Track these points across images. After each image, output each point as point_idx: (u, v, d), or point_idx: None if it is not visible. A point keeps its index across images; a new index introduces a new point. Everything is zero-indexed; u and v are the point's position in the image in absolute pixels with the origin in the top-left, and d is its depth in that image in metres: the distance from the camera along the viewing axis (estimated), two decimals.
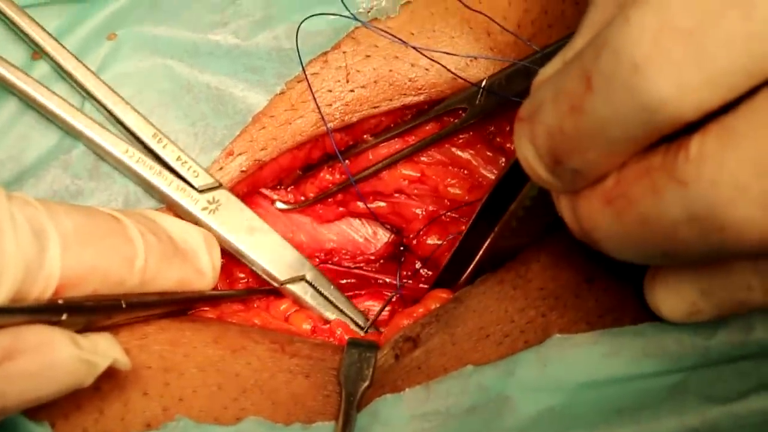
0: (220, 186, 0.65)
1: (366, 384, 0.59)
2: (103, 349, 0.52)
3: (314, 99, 0.67)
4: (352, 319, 0.69)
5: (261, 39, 0.67)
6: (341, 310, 0.69)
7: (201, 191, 0.65)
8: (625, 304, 0.58)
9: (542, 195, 0.55)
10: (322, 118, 0.67)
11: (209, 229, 0.65)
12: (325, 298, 0.69)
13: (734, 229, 0.40)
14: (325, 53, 0.67)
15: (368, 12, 0.68)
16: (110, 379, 0.56)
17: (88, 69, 0.64)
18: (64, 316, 0.50)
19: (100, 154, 0.64)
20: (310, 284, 0.68)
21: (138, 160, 0.64)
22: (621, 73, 0.40)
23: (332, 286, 0.69)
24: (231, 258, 0.67)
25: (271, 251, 0.67)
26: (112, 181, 0.65)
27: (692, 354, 0.54)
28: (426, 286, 0.74)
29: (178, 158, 0.64)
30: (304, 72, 0.67)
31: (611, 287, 0.59)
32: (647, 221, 0.43)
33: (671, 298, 0.52)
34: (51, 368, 0.49)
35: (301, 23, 0.66)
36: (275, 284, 0.68)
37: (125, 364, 0.53)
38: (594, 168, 0.45)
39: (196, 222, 0.65)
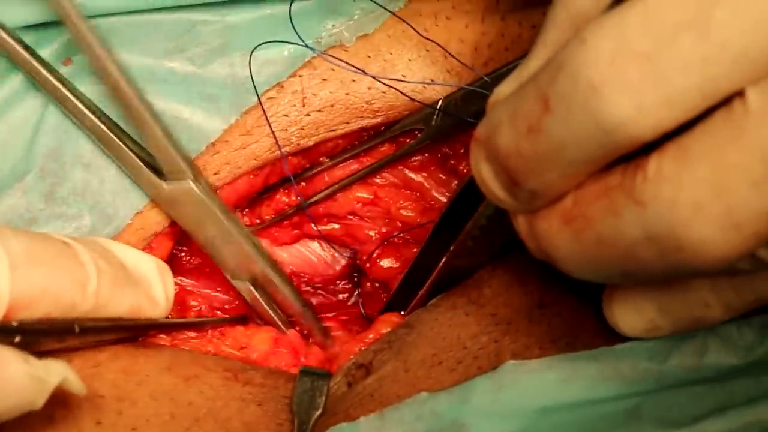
0: (194, 175, 0.64)
1: (318, 412, 0.59)
2: (54, 369, 0.51)
3: (269, 124, 0.67)
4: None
5: (217, 66, 0.66)
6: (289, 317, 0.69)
7: (167, 179, 0.64)
8: (578, 328, 0.58)
9: (498, 214, 0.55)
10: (276, 142, 0.67)
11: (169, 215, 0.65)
12: (274, 304, 0.68)
13: (692, 249, 0.40)
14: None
15: (323, 42, 0.68)
16: (63, 408, 0.56)
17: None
18: (16, 338, 0.50)
19: (76, 123, 0.64)
20: (260, 287, 0.68)
21: (111, 139, 0.64)
22: (578, 94, 0.40)
23: (286, 292, 0.68)
24: (183, 287, 0.67)
25: (223, 248, 0.66)
26: (67, 207, 0.64)
27: (646, 378, 0.54)
28: None
29: (157, 144, 0.63)
30: (258, 97, 0.66)
31: (563, 312, 0.59)
32: (606, 241, 0.43)
33: (629, 314, 0.53)
34: (1, 385, 0.48)
35: (254, 50, 0.66)
36: (227, 276, 0.67)
37: (79, 387, 0.52)
38: (551, 188, 0.45)
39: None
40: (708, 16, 0.37)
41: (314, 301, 0.76)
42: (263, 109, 0.67)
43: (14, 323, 0.50)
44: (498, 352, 0.58)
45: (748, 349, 0.54)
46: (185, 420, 0.58)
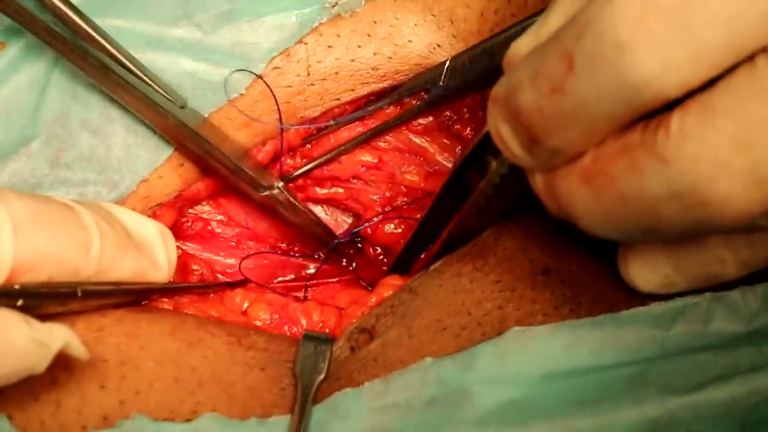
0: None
1: (321, 377, 0.59)
2: (57, 334, 0.51)
3: (275, 99, 0.67)
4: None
5: (225, 32, 0.66)
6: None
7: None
8: (581, 295, 0.57)
9: (512, 173, 0.55)
10: (279, 118, 0.67)
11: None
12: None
13: (715, 205, 0.40)
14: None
15: (333, 6, 0.67)
16: (66, 371, 0.56)
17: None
18: (19, 302, 0.50)
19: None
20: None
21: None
22: (605, 52, 0.40)
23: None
24: (185, 251, 0.67)
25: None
26: (72, 173, 0.64)
27: (651, 345, 0.54)
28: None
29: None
30: (266, 67, 0.67)
31: (567, 279, 0.59)
32: (627, 198, 0.44)
33: (645, 271, 0.53)
34: (4, 348, 0.48)
35: (261, 16, 0.66)
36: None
37: (81, 352, 0.52)
38: (572, 146, 0.45)
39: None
40: None
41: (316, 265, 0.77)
42: (269, 86, 0.67)
43: (17, 286, 0.51)
44: (502, 319, 0.57)
45: (752, 317, 0.54)
46: (189, 384, 0.58)
